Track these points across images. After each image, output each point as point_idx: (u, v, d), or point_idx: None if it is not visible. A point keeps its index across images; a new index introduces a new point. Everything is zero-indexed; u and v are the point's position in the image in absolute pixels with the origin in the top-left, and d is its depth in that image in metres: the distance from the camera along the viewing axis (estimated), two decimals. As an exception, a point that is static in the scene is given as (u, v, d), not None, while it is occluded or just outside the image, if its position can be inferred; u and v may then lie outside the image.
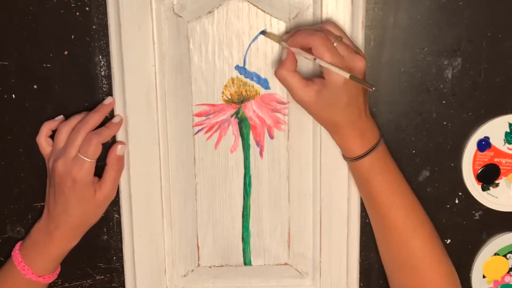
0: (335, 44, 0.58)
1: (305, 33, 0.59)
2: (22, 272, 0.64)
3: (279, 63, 0.61)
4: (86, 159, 0.62)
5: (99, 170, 0.65)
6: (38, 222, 0.67)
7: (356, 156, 0.62)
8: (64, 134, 0.64)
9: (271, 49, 0.65)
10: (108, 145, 0.65)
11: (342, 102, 0.59)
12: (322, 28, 0.60)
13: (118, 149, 0.65)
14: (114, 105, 0.65)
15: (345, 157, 0.65)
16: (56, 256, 0.66)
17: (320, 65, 0.58)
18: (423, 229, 0.64)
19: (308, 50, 0.59)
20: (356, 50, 0.60)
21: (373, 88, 0.60)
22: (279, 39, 0.62)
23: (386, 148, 0.64)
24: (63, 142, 0.64)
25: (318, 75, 0.60)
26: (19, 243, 0.67)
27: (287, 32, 0.64)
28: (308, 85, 0.59)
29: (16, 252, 0.66)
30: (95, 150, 0.62)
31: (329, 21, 0.62)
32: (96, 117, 0.64)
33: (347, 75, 0.57)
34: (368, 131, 0.62)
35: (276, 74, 0.61)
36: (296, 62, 0.60)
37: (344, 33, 0.61)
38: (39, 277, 0.65)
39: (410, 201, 0.64)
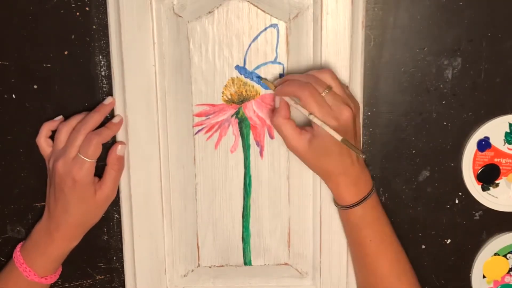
0: (323, 94, 0.59)
1: (294, 84, 0.60)
2: (24, 274, 0.64)
3: (274, 110, 0.63)
4: (86, 159, 0.62)
5: (100, 170, 0.65)
6: (38, 223, 0.67)
7: (348, 205, 0.63)
8: (64, 134, 0.64)
9: (271, 49, 0.65)
10: (108, 145, 0.65)
11: (333, 151, 0.60)
12: (314, 76, 0.61)
13: (118, 149, 0.65)
14: (114, 105, 0.65)
15: (336, 204, 0.65)
16: (57, 257, 0.66)
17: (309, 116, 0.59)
18: (407, 278, 0.65)
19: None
20: (346, 99, 0.60)
21: (363, 156, 0.61)
22: (274, 86, 0.63)
23: (377, 197, 0.65)
24: (63, 142, 0.64)
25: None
26: (20, 245, 0.67)
27: (281, 76, 0.65)
28: (301, 134, 0.61)
29: (17, 254, 0.66)
30: (95, 150, 0.62)
31: (325, 68, 0.62)
32: (96, 117, 0.64)
33: (338, 137, 0.58)
34: (361, 179, 0.63)
35: (271, 121, 0.63)
36: (289, 109, 0.62)
37: (338, 80, 0.61)
38: (42, 278, 0.65)
39: (396, 250, 0.65)
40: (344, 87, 0.62)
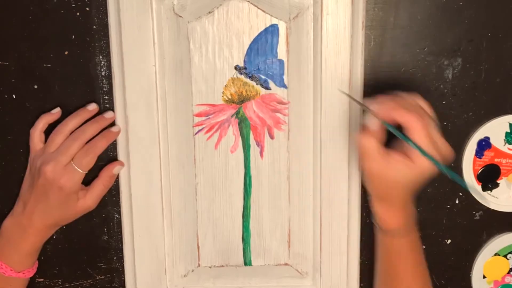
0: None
1: (401, 109, 0.55)
2: (1, 271, 0.64)
3: (361, 128, 0.59)
4: (79, 170, 0.62)
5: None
6: (9, 217, 0.66)
7: (397, 228, 0.61)
8: (60, 138, 0.63)
9: (271, 49, 0.65)
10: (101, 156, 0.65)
11: (414, 185, 0.58)
12: (415, 103, 0.57)
13: (115, 169, 0.66)
14: (114, 119, 0.65)
15: (383, 229, 0.63)
16: (32, 251, 0.66)
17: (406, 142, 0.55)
18: None
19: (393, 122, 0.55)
20: (443, 140, 0.57)
21: (468, 189, 0.60)
22: (363, 106, 0.59)
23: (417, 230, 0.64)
24: (56, 146, 0.63)
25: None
26: None
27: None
28: (390, 158, 0.56)
29: None
30: (90, 162, 0.62)
31: (417, 96, 0.58)
32: (95, 128, 0.64)
33: (448, 173, 0.54)
34: (409, 209, 0.62)
35: (358, 138, 0.57)
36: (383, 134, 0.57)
37: (433, 113, 0.58)
38: (19, 272, 0.65)
39: (425, 281, 0.65)
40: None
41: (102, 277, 0.72)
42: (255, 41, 0.64)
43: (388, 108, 0.55)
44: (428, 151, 0.54)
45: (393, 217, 0.61)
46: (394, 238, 0.62)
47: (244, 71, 0.65)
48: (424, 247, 0.71)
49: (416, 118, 0.54)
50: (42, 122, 0.65)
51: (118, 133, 0.65)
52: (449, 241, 0.71)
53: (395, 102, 0.56)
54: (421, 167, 0.55)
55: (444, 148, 0.56)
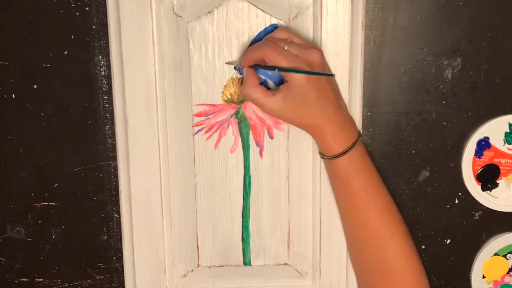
0: (286, 48, 0.59)
1: (254, 48, 0.60)
2: None
3: (242, 84, 0.63)
4: None
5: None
6: None
7: (335, 154, 0.62)
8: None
9: (271, 49, 0.65)
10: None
11: (311, 99, 0.59)
12: (271, 37, 0.61)
13: None
14: None
15: (322, 156, 0.64)
16: None
17: (280, 72, 0.59)
18: (398, 229, 0.63)
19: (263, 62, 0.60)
20: (310, 45, 0.60)
21: (334, 75, 0.60)
22: (236, 62, 0.64)
23: (364, 146, 0.64)
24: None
25: None
26: None
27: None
28: (274, 94, 0.60)
29: None
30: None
31: (278, 28, 0.62)
32: None
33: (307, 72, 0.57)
34: (346, 127, 0.62)
35: (241, 94, 0.62)
36: (257, 78, 0.61)
37: (295, 33, 0.61)
38: None
39: (386, 201, 0.64)
40: (304, 39, 0.61)
41: (102, 277, 0.72)
42: (255, 41, 0.64)
43: (248, 56, 0.60)
44: (287, 64, 0.58)
45: (331, 141, 0.61)
46: (339, 161, 0.62)
47: (243, 71, 0.65)
48: (424, 247, 0.71)
49: (264, 47, 0.58)
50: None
51: None
52: (449, 241, 0.71)
53: (250, 48, 0.61)
54: (295, 81, 0.58)
55: (310, 55, 0.59)
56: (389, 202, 0.64)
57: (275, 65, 0.58)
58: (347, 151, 0.61)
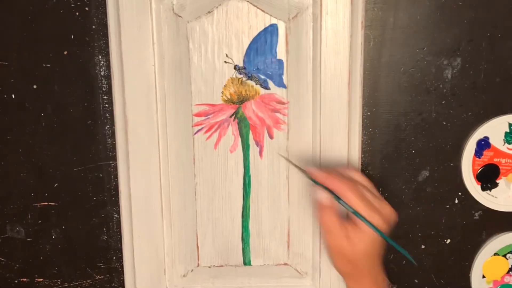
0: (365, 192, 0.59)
1: (332, 178, 0.59)
2: None
3: (316, 203, 0.61)
4: None
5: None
6: None
7: None
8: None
9: (270, 49, 0.65)
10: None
11: (374, 249, 0.59)
12: (350, 177, 0.61)
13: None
14: None
15: None
16: None
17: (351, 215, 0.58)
18: None
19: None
20: (381, 198, 0.60)
21: (416, 264, 0.61)
22: (300, 168, 0.64)
23: None
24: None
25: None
26: None
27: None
28: (348, 233, 0.59)
29: None
30: None
31: (354, 169, 0.63)
32: None
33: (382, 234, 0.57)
34: (379, 278, 0.62)
35: (317, 214, 0.61)
36: (334, 208, 0.60)
37: (370, 183, 0.62)
38: None
39: None
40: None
41: (102, 277, 0.72)
42: (255, 41, 0.64)
43: (322, 175, 0.60)
44: (365, 214, 0.57)
45: None
46: None
47: (243, 71, 0.65)
48: (424, 247, 0.71)
49: (346, 185, 0.58)
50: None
51: None
52: (449, 241, 0.71)
53: (328, 172, 0.60)
54: (369, 234, 0.58)
55: (385, 210, 0.59)
56: None
57: (352, 205, 0.58)
58: None
